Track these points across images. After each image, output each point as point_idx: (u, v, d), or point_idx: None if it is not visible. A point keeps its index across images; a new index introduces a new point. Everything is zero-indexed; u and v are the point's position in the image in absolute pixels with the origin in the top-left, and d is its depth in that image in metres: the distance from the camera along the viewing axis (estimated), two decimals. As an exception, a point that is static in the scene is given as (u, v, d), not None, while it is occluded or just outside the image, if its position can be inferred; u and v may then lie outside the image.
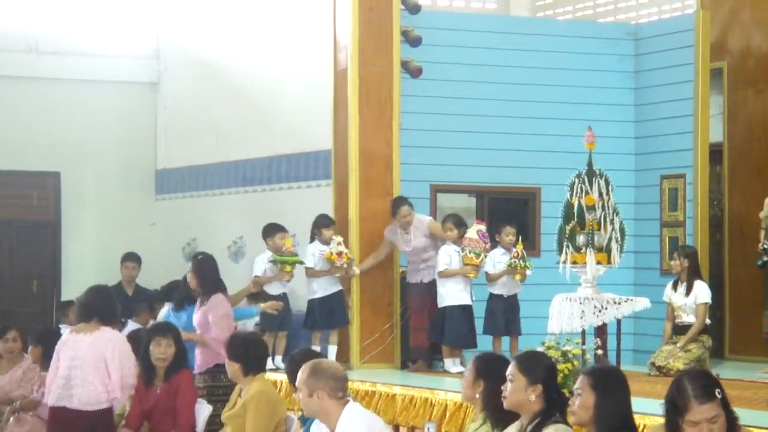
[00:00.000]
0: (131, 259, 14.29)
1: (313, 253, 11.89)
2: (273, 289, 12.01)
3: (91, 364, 9.09)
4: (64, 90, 15.59)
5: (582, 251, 9.34)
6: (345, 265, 11.79)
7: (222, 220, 14.66)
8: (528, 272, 11.56)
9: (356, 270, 11.93)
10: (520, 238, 11.72)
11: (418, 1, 13.10)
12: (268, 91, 14.09)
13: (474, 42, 13.62)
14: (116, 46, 15.91)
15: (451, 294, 11.55)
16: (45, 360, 11.03)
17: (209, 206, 14.94)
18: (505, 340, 11.85)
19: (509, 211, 13.54)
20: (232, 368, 8.74)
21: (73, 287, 15.04)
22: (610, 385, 5.77)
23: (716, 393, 5.16)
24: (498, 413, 6.40)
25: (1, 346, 11.32)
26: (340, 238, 11.83)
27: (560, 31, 14.16)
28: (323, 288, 11.92)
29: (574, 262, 9.43)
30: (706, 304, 11.47)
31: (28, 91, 15.46)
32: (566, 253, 9.45)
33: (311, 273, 11.92)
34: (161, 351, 9.35)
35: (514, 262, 11.48)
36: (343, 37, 12.34)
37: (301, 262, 11.90)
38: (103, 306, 9.31)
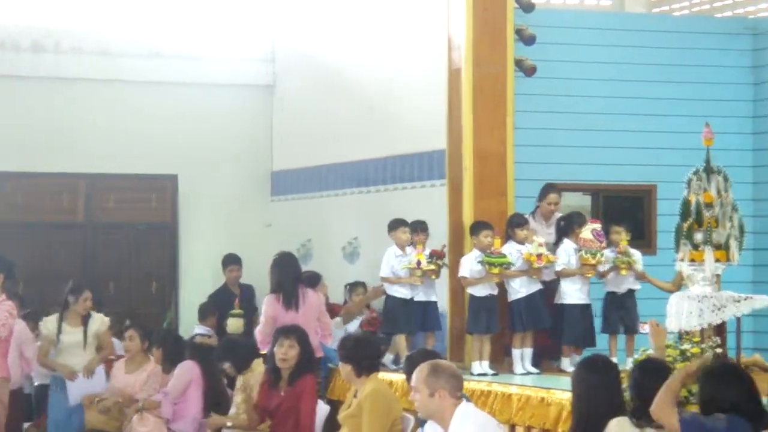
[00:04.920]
0: (233, 261, 14.48)
1: (510, 253, 11.33)
2: (480, 291, 11.30)
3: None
4: (181, 93, 15.79)
5: (700, 249, 9.21)
6: (544, 267, 11.38)
7: (337, 221, 14.72)
8: (638, 266, 11.39)
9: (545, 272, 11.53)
10: (622, 234, 11.54)
11: (532, -1, 13.06)
12: (382, 92, 14.13)
13: (589, 39, 13.57)
14: (232, 49, 16.07)
15: (569, 292, 11.46)
16: (166, 362, 11.26)
17: (324, 207, 15.02)
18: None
19: (625, 209, 13.44)
20: (345, 370, 8.79)
21: (190, 288, 15.31)
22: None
23: None
24: None
25: (123, 344, 11.68)
26: (541, 239, 11.45)
27: (676, 27, 14.06)
28: (525, 287, 11.39)
29: (692, 260, 9.31)
30: None
31: (147, 95, 15.69)
32: (684, 251, 9.33)
33: (510, 274, 11.32)
34: (282, 352, 9.44)
35: (619, 258, 11.35)
36: (457, 37, 12.31)
37: (511, 264, 11.27)
38: None
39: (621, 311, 11.52)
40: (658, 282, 11.53)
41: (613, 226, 11.66)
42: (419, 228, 11.94)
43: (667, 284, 11.43)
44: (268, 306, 11.04)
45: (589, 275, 11.39)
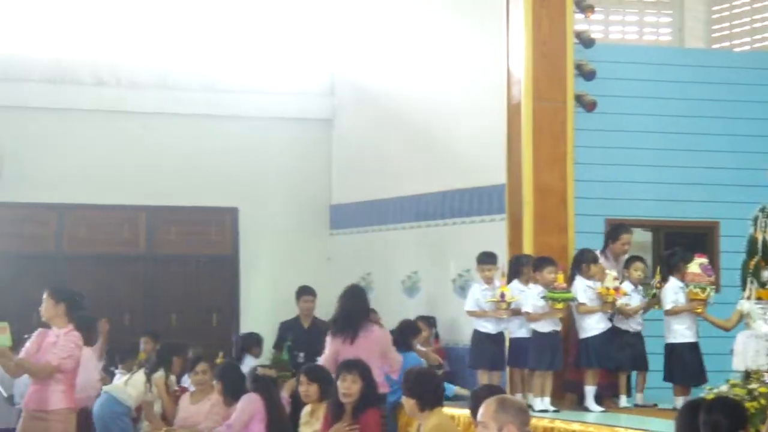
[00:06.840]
0: (307, 292, 14.37)
1: (584, 289, 11.33)
2: (543, 326, 11.26)
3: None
4: (241, 127, 15.88)
5: (767, 287, 9.15)
6: (620, 301, 11.37)
7: (396, 255, 14.74)
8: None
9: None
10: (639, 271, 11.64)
11: (592, 34, 13.07)
12: (441, 126, 14.16)
13: (649, 75, 13.53)
14: (292, 83, 16.17)
15: (680, 331, 11.32)
16: (226, 395, 11.29)
17: (383, 241, 15.03)
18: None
19: (686, 246, 13.32)
20: (409, 404, 8.77)
21: (251, 321, 15.31)
22: None
23: None
24: None
25: (191, 378, 11.69)
26: (614, 273, 11.41)
27: (737, 63, 13.98)
28: (602, 323, 11.39)
29: (759, 298, 9.25)
30: None
31: (207, 129, 15.78)
32: (750, 289, 9.27)
33: (584, 309, 11.34)
34: (345, 386, 9.43)
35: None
36: (517, 72, 12.34)
37: (574, 299, 11.24)
38: None
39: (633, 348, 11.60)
40: (715, 319, 11.46)
41: (635, 262, 11.75)
42: (524, 262, 11.72)
43: (724, 321, 11.37)
44: (329, 342, 11.05)
45: (699, 311, 11.23)
